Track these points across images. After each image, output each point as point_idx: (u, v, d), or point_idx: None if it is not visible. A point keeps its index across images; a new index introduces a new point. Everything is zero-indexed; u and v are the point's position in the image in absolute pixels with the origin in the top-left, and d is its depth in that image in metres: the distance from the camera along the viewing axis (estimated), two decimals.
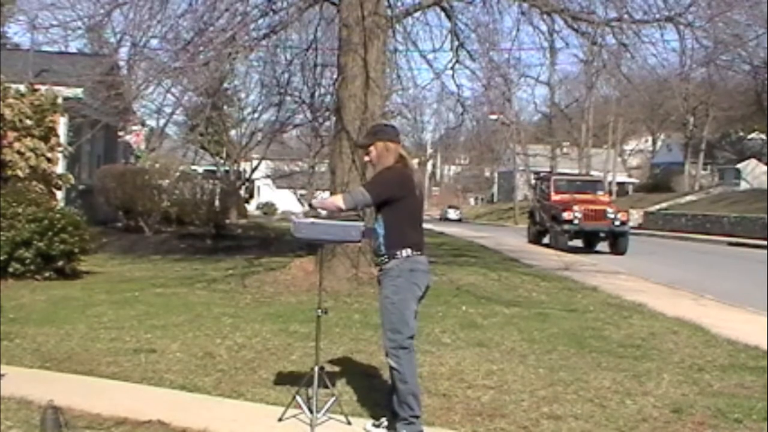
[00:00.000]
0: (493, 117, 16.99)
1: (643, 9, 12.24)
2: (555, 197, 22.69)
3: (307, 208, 5.66)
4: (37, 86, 14.15)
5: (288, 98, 18.29)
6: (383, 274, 4.45)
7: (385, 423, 4.55)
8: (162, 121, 30.00)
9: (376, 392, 5.26)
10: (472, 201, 74.00)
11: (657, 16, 12.19)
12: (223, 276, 11.79)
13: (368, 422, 4.66)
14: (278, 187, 52.26)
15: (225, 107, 30.79)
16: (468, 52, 13.21)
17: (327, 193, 12.22)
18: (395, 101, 19.36)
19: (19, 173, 12.83)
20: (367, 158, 4.66)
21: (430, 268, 4.66)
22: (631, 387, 5.77)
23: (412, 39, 13.67)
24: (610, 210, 21.46)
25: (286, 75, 15.55)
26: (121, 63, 18.72)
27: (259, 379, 5.73)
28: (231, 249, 16.42)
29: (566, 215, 21.14)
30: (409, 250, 4.41)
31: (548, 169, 43.29)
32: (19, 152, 12.93)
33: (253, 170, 35.35)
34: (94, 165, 21.75)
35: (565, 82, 49.45)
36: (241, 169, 36.09)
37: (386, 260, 4.43)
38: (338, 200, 4.53)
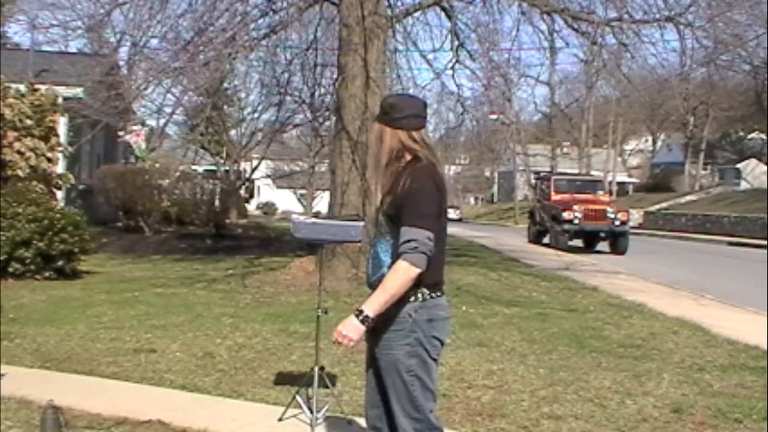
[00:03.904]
0: (493, 117, 16.97)
1: (643, 9, 12.26)
2: (555, 197, 22.68)
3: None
4: (37, 86, 14.14)
5: (288, 98, 18.28)
6: (385, 324, 3.07)
7: None
8: (162, 121, 30.00)
9: None
10: (472, 201, 73.97)
11: (657, 16, 12.20)
12: (223, 276, 11.79)
13: None
14: (278, 187, 52.35)
15: (225, 107, 30.76)
16: (468, 52, 13.22)
17: (327, 194, 12.20)
18: None
19: (19, 173, 12.83)
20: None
21: None
22: (632, 387, 5.77)
23: (412, 39, 13.69)
24: (610, 210, 21.46)
25: (286, 75, 15.54)
26: (121, 63, 18.74)
27: (259, 379, 5.73)
28: (231, 249, 16.41)
29: (566, 215, 21.13)
30: (426, 291, 3.06)
31: (548, 169, 43.21)
32: (19, 152, 12.93)
33: (253, 170, 35.36)
34: (94, 165, 21.74)
35: (565, 82, 49.44)
36: (241, 168, 36.09)
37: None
38: (411, 269, 2.96)
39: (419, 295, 3.05)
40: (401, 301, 3.02)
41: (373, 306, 3.00)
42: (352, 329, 3.01)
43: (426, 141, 3.17)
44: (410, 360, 3.06)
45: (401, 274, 2.96)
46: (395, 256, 3.03)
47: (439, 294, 3.11)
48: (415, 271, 2.96)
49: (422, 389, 3.10)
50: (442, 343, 3.15)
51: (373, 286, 3.13)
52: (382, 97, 11.62)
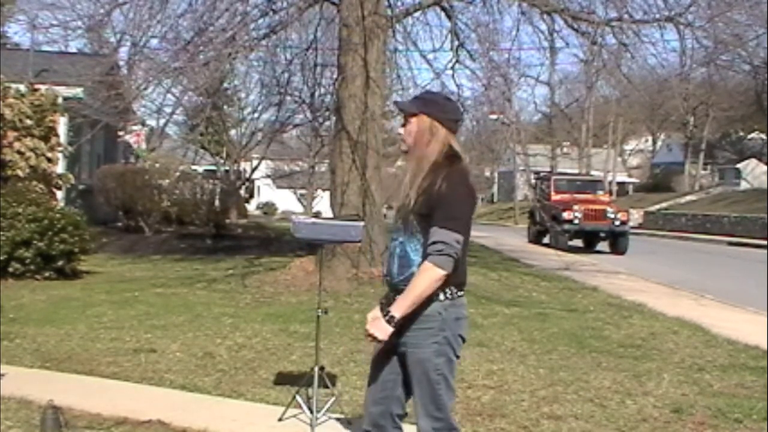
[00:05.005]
0: (493, 117, 16.98)
1: (643, 9, 12.27)
2: (555, 197, 22.69)
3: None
4: (37, 86, 14.14)
5: (288, 98, 18.28)
6: (414, 321, 3.04)
7: None
8: (162, 121, 30.03)
9: None
10: None
11: (657, 16, 12.21)
12: (223, 276, 11.79)
13: None
14: (278, 187, 52.30)
15: (225, 107, 30.76)
16: (468, 52, 13.22)
17: (327, 194, 12.18)
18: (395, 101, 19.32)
19: (19, 173, 12.83)
20: (405, 137, 3.19)
21: None
22: (632, 387, 5.77)
23: (412, 39, 13.70)
24: (610, 210, 21.46)
25: (286, 75, 15.54)
26: (121, 63, 18.76)
27: (259, 379, 5.73)
28: (231, 249, 16.40)
29: (566, 215, 21.13)
30: (454, 289, 3.08)
31: (548, 169, 43.18)
32: (19, 152, 12.93)
33: (253, 170, 35.33)
34: (94, 165, 21.74)
35: (565, 82, 49.42)
36: (241, 168, 36.07)
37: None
38: (437, 271, 2.97)
39: (448, 292, 3.06)
40: (430, 298, 3.02)
41: (400, 307, 2.99)
42: (378, 328, 3.01)
43: (460, 148, 3.19)
44: (438, 359, 3.06)
45: (426, 275, 2.97)
46: (425, 256, 3.03)
47: (462, 293, 3.12)
48: (440, 273, 2.97)
49: (447, 388, 3.10)
50: (464, 341, 3.18)
51: (398, 286, 3.09)
52: (382, 97, 11.68)
